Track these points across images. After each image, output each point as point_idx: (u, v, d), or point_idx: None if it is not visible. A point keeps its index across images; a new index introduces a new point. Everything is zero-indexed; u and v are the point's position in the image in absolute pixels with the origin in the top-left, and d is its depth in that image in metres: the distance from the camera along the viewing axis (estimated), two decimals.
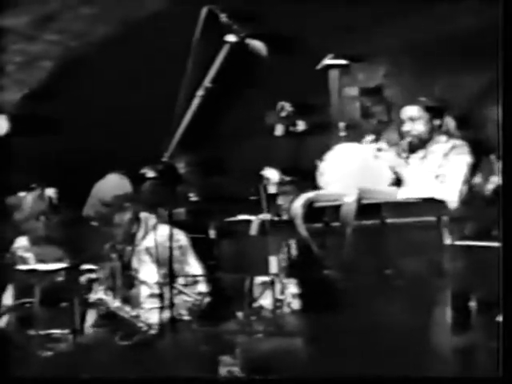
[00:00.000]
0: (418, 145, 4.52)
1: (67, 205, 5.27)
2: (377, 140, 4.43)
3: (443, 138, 4.48)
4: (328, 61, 4.80)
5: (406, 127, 4.53)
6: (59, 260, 5.00)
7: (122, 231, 4.46)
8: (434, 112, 4.49)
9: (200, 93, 3.81)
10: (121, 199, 4.41)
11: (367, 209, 3.77)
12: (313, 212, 3.87)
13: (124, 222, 4.46)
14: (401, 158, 4.54)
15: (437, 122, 4.49)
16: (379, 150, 4.41)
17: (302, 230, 3.83)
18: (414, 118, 4.51)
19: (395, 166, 4.47)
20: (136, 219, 4.51)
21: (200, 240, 4.65)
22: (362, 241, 3.74)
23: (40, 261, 5.07)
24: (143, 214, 4.54)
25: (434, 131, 4.48)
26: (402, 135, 4.56)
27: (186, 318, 4.32)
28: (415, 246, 3.64)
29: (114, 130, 5.21)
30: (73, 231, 5.18)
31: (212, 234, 4.71)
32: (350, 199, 3.75)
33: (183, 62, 3.78)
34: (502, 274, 3.15)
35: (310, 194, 3.93)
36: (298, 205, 3.86)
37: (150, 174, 4.45)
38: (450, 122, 4.53)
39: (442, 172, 4.34)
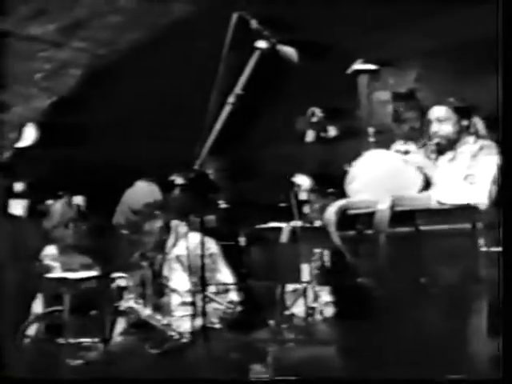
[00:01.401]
0: (446, 146, 4.49)
1: (95, 212, 5.32)
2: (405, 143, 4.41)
3: (471, 138, 4.44)
4: (357, 66, 4.79)
5: (434, 128, 4.49)
6: (87, 268, 5.04)
7: (152, 239, 4.46)
8: (462, 113, 4.45)
9: (231, 100, 3.82)
10: (151, 207, 4.42)
11: (401, 216, 3.75)
12: (346, 219, 3.86)
13: (154, 230, 4.47)
14: (429, 160, 4.53)
15: (465, 123, 4.45)
16: (407, 152, 4.38)
17: (335, 237, 3.80)
18: (441, 118, 4.47)
19: (424, 168, 4.44)
20: (166, 227, 4.54)
21: (230, 247, 4.67)
22: (396, 248, 3.71)
23: (67, 270, 5.09)
24: (173, 222, 4.55)
25: (462, 132, 4.45)
26: (429, 136, 4.56)
27: (217, 326, 4.32)
28: (450, 253, 3.61)
29: (143, 137, 5.21)
30: (101, 239, 5.22)
31: (242, 241, 4.72)
32: (383, 206, 3.73)
33: (213, 68, 3.80)
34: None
35: (343, 202, 3.91)
36: (331, 212, 3.83)
37: (179, 181, 4.47)
38: (478, 123, 4.49)
39: (471, 173, 4.30)
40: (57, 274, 4.98)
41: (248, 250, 4.63)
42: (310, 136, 4.41)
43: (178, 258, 4.46)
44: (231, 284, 4.40)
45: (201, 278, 3.75)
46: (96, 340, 4.51)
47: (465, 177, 4.32)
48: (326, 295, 4.21)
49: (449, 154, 4.49)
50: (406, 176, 4.21)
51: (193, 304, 4.04)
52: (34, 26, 4.52)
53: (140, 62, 4.79)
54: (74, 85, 4.68)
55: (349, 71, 4.85)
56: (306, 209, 4.24)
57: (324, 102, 4.47)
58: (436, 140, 4.50)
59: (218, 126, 3.77)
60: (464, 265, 3.62)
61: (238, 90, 3.83)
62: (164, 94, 5.09)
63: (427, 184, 4.43)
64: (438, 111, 4.52)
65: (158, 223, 4.49)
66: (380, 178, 4.11)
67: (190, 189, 3.75)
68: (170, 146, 5.09)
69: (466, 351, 3.49)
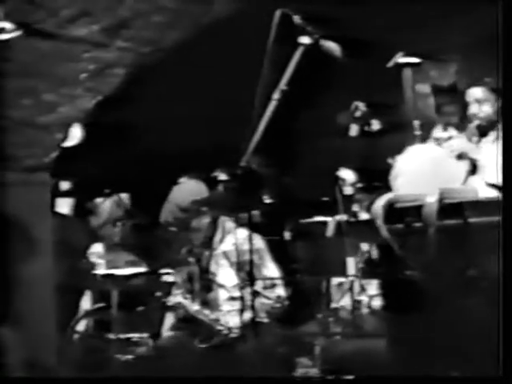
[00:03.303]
0: (487, 127, 4.41)
1: (141, 210, 5.34)
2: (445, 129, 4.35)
3: None
4: (399, 59, 4.75)
5: (473, 109, 4.42)
6: (132, 265, 5.06)
7: (200, 236, 4.48)
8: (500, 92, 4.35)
9: (276, 96, 3.84)
10: (198, 204, 4.43)
11: (449, 208, 3.72)
12: (394, 213, 3.83)
13: (202, 227, 4.48)
14: (472, 143, 4.44)
15: None
16: (449, 137, 4.32)
17: (384, 230, 3.77)
18: (480, 99, 4.40)
19: (468, 152, 4.36)
20: (213, 223, 4.55)
21: (275, 243, 4.68)
22: (445, 241, 3.68)
23: (112, 267, 5.12)
24: (220, 218, 4.57)
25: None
26: (468, 118, 4.47)
27: (265, 320, 4.34)
28: (499, 245, 3.56)
29: (187, 134, 5.22)
30: (147, 236, 5.25)
31: (287, 236, 4.69)
32: (431, 199, 3.70)
33: (257, 65, 3.80)
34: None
35: (391, 195, 3.88)
36: (379, 206, 3.81)
37: (223, 176, 4.47)
38: None
39: None
40: (104, 271, 5.03)
41: (293, 245, 4.60)
42: (354, 130, 4.39)
43: (224, 254, 4.49)
44: (278, 278, 4.40)
45: (249, 272, 3.79)
46: (145, 335, 4.59)
47: None
48: (372, 289, 4.22)
49: (491, 135, 4.43)
50: (451, 169, 4.16)
51: (241, 299, 4.05)
52: (78, 28, 4.54)
53: (184, 60, 4.80)
54: (119, 84, 4.69)
55: (390, 65, 4.82)
56: (351, 203, 4.21)
57: (367, 96, 4.45)
58: (476, 122, 4.43)
59: (264, 121, 3.81)
60: None
61: (282, 85, 3.86)
62: (208, 91, 5.10)
63: (474, 168, 4.38)
64: (475, 92, 4.44)
65: (206, 220, 4.51)
66: (426, 171, 4.07)
67: (237, 185, 3.77)
68: (215, 142, 5.14)
69: None
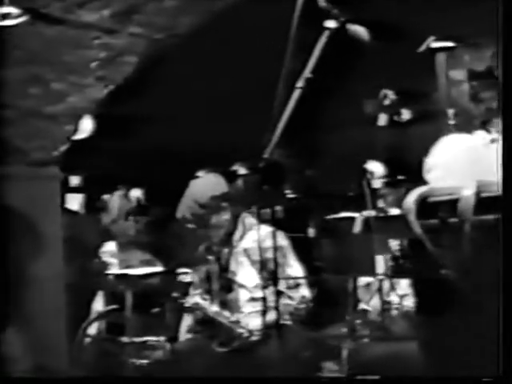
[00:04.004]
0: None
1: (156, 205, 5.33)
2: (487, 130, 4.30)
3: None
4: (431, 43, 4.70)
5: None
6: (147, 264, 5.10)
7: (219, 232, 4.46)
8: None
9: (300, 84, 3.80)
10: (218, 199, 4.43)
11: (487, 202, 3.67)
12: (427, 207, 3.80)
13: (222, 223, 4.46)
14: None
15: None
16: (493, 141, 4.28)
17: (416, 226, 3.73)
18: None
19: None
20: (234, 219, 4.52)
21: (299, 240, 4.65)
22: (482, 237, 3.64)
23: (126, 267, 5.15)
24: (242, 214, 4.53)
25: None
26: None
27: (288, 322, 4.32)
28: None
29: (204, 125, 5.21)
30: (163, 233, 5.24)
31: (311, 232, 4.70)
32: (467, 193, 3.65)
33: (279, 51, 3.77)
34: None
35: (423, 189, 3.82)
36: (411, 200, 3.77)
37: (243, 170, 4.44)
38: None
39: None
40: (117, 270, 5.07)
41: (318, 242, 4.56)
42: (383, 120, 4.36)
43: (245, 252, 4.47)
44: (302, 278, 4.37)
45: (273, 271, 3.76)
46: (161, 339, 4.56)
47: None
48: (403, 288, 4.19)
49: None
50: (488, 160, 4.12)
51: (263, 299, 3.96)
52: (88, 13, 4.53)
53: (200, 48, 4.79)
54: (131, 73, 4.68)
55: (421, 50, 4.77)
56: (380, 197, 4.17)
57: (397, 84, 4.41)
58: None
59: (287, 111, 3.77)
60: None
61: (306, 73, 3.82)
62: (227, 80, 5.09)
63: None
64: None
65: (226, 216, 4.50)
66: (461, 162, 4.03)
67: (258, 178, 3.74)
68: (234, 134, 5.11)
69: None
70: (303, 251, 4.61)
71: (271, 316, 3.91)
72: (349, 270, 4.31)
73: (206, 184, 4.58)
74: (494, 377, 3.28)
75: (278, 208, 4.68)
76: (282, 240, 4.49)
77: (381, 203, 4.23)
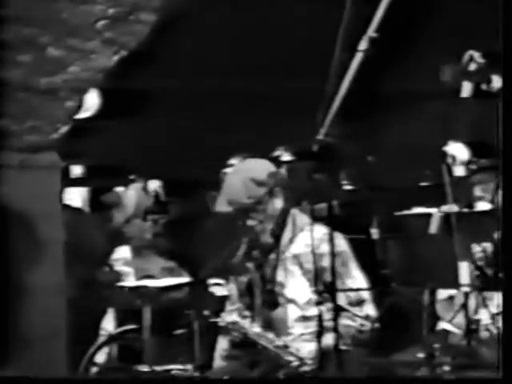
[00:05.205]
0: None
1: (177, 201, 5.33)
2: None
3: None
4: None
5: None
6: (171, 274, 5.15)
7: (267, 227, 4.47)
8: None
9: (362, 47, 3.78)
10: (275, 178, 4.45)
11: None
12: None
13: (273, 214, 4.46)
14: None
15: None
16: None
17: None
18: None
19: None
20: (284, 214, 4.51)
21: (360, 243, 4.64)
22: None
23: (144, 277, 5.20)
24: (292, 210, 4.54)
25: None
26: None
27: (349, 347, 4.27)
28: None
29: (238, 101, 5.18)
30: (188, 235, 5.24)
31: (375, 233, 4.57)
32: None
33: (336, 5, 3.72)
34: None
35: None
36: None
37: (287, 156, 4.41)
38: None
39: None
40: (132, 282, 5.10)
41: (384, 246, 4.47)
42: (467, 89, 4.29)
43: (296, 258, 4.45)
44: (366, 290, 4.33)
45: (330, 283, 3.73)
46: (189, 367, 4.54)
47: None
48: (495, 305, 4.13)
49: None
50: None
51: (318, 318, 3.93)
52: None
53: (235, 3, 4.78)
54: (147, 34, 4.66)
55: None
56: (464, 188, 4.12)
57: (484, 44, 4.34)
58: None
59: (346, 81, 3.74)
60: None
61: (370, 32, 3.80)
62: (268, 40, 5.05)
63: None
64: None
65: (279, 204, 4.51)
66: None
67: (310, 166, 3.70)
68: (276, 110, 5.08)
69: None
70: (365, 257, 4.60)
71: (328, 340, 3.91)
72: (424, 281, 4.28)
73: (258, 162, 4.62)
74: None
75: (335, 203, 4.66)
76: (343, 244, 4.49)
77: (465, 195, 4.20)
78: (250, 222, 4.50)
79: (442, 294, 4.43)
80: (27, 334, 4.54)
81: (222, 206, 4.60)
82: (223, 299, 4.67)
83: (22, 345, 4.54)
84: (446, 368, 4.17)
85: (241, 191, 4.52)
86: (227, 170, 4.76)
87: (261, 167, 4.55)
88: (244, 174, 4.56)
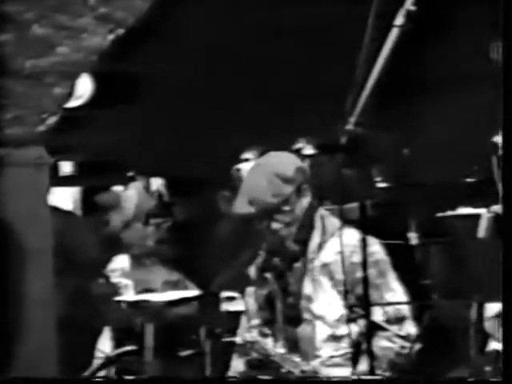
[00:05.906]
0: None
1: (182, 203, 5.32)
2: None
3: None
4: None
5: None
6: (175, 286, 5.19)
7: (293, 231, 4.41)
8: None
9: (399, 21, 3.68)
10: (303, 174, 4.39)
11: None
12: None
13: (299, 213, 4.40)
14: None
15: None
16: None
17: None
18: None
19: None
20: (311, 213, 4.45)
21: (396, 249, 4.57)
22: None
23: (145, 290, 5.25)
24: (320, 212, 4.46)
25: None
26: None
27: (387, 373, 4.19)
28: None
29: (251, 87, 5.15)
30: (196, 241, 5.22)
31: (413, 238, 4.65)
32: None
33: None
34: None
35: None
36: None
37: (310, 150, 4.34)
38: None
39: None
40: (132, 296, 5.13)
41: (424, 252, 4.49)
42: None
43: (325, 268, 4.35)
44: (406, 304, 4.26)
45: (364, 297, 3.64)
46: None
47: None
48: None
49: None
50: None
51: (351, 339, 3.99)
52: None
53: None
54: (146, 10, 4.63)
55: None
56: None
57: None
58: None
59: (380, 62, 3.68)
60: None
61: (408, 4, 3.72)
62: (283, 24, 4.99)
63: None
64: None
65: (305, 202, 4.42)
66: None
67: (338, 159, 3.64)
68: (297, 96, 5.05)
69: None
70: (402, 266, 4.54)
71: (362, 364, 3.92)
72: (471, 293, 4.19)
73: (284, 156, 4.55)
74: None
75: (367, 203, 4.62)
76: (379, 251, 4.38)
77: None
78: (274, 225, 4.41)
79: (492, 308, 4.32)
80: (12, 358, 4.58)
81: (242, 206, 4.50)
82: (238, 315, 4.63)
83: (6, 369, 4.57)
84: None
85: (265, 189, 4.44)
86: (241, 165, 4.80)
87: (287, 161, 4.49)
88: (268, 169, 4.49)
